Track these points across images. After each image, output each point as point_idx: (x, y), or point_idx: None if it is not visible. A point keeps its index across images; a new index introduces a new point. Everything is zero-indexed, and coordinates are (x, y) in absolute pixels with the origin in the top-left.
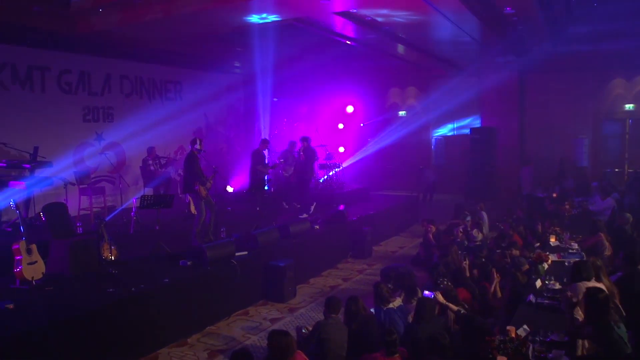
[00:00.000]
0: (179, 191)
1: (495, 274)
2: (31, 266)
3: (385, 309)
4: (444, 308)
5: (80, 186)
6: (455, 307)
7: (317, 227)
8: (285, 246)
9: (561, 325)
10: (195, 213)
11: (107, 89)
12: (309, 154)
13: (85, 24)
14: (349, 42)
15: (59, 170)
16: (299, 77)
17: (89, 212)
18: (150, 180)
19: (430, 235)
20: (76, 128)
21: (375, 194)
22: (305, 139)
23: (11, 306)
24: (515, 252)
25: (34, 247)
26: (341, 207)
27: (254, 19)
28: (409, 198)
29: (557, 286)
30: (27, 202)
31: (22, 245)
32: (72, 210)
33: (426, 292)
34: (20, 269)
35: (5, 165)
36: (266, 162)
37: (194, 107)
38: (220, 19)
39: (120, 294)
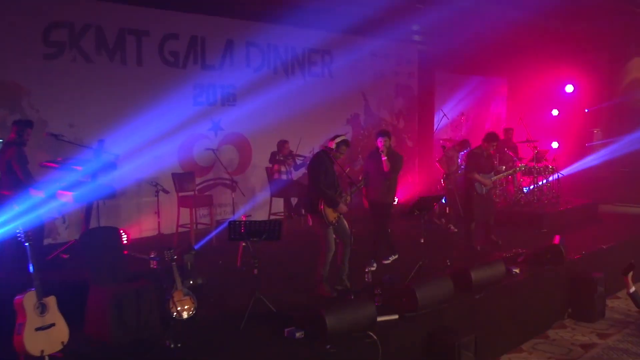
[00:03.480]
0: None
1: None
2: (42, 333)
3: None
4: None
5: (181, 194)
6: None
7: (517, 270)
8: (463, 304)
9: None
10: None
11: (228, 61)
12: (394, 160)
13: None
14: None
15: (153, 171)
16: (495, 46)
17: (188, 229)
18: (280, 185)
19: None
20: (184, 114)
21: (607, 213)
22: (384, 134)
23: None
24: None
25: (51, 300)
26: (556, 238)
27: None
28: None
29: None
30: (87, 219)
31: (28, 298)
32: (168, 228)
33: None
34: (21, 338)
35: (58, 166)
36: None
37: (349, 87)
38: None
39: None
